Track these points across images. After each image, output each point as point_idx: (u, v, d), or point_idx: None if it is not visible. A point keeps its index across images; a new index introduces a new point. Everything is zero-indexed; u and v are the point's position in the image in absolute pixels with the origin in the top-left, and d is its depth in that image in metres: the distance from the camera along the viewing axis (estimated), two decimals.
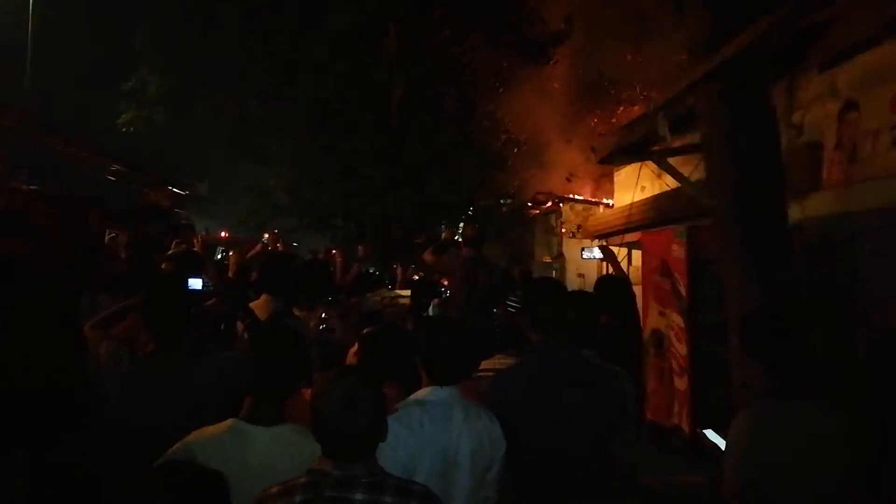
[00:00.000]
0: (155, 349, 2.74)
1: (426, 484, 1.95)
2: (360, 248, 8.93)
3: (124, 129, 12.90)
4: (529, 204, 14.65)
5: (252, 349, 2.44)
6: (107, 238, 3.74)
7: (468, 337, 2.52)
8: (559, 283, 3.01)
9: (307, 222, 15.72)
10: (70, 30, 15.13)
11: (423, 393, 2.35)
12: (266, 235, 7.67)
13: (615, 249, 7.09)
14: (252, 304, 3.92)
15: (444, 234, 15.23)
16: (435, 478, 2.18)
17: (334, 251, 7.52)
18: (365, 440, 1.76)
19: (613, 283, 4.51)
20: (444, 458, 2.24)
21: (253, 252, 4.94)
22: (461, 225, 16.27)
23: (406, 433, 2.20)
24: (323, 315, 4.03)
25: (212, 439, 2.06)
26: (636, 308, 4.78)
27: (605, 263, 6.93)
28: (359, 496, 1.67)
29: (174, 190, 14.11)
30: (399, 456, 2.17)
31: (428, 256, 5.48)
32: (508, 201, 16.74)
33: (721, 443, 3.81)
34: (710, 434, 4.18)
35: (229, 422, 2.11)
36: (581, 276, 11.25)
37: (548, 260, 13.48)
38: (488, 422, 2.37)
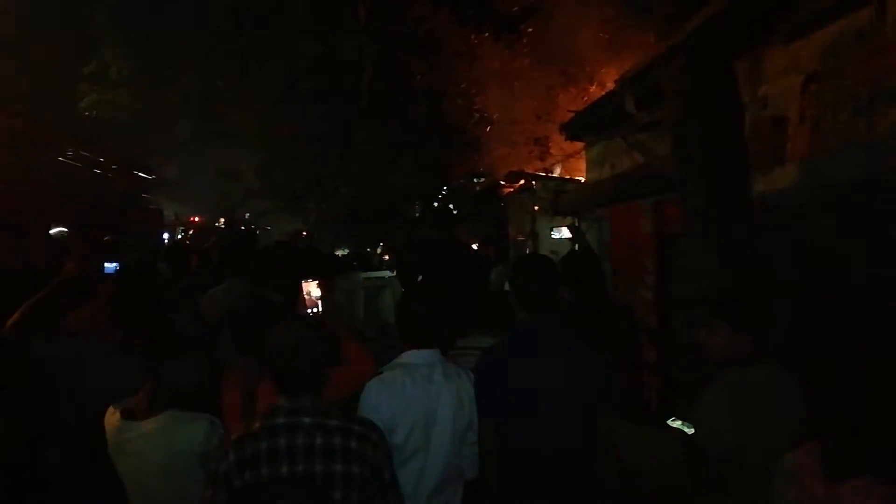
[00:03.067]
0: (122, 340, 2.71)
1: (406, 440, 2.22)
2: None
3: (87, 113, 12.55)
4: (502, 182, 14.66)
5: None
6: (55, 229, 3.66)
7: (445, 303, 2.58)
8: (547, 260, 2.98)
9: (279, 205, 15.57)
10: (26, 9, 14.62)
11: (405, 356, 2.45)
12: (222, 220, 7.56)
13: (586, 225, 7.13)
14: (215, 291, 3.85)
15: (417, 215, 15.20)
16: (415, 435, 2.31)
17: (305, 233, 7.45)
18: (310, 378, 2.03)
19: (580, 260, 4.53)
20: (425, 417, 2.35)
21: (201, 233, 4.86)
22: (434, 205, 16.25)
23: (388, 394, 2.33)
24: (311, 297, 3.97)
25: (109, 434, 2.24)
26: (604, 284, 4.80)
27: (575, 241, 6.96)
28: (307, 420, 1.95)
29: (141, 175, 13.84)
30: (381, 415, 2.31)
31: (401, 237, 5.46)
32: (482, 180, 16.74)
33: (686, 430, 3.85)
34: (675, 423, 4.21)
35: (116, 415, 2.25)
36: (554, 252, 11.31)
37: (521, 238, 13.52)
38: (468, 383, 2.49)
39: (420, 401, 2.36)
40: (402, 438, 2.32)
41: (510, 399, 2.49)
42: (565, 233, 8.93)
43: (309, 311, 3.69)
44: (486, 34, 13.17)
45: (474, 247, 8.83)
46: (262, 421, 1.98)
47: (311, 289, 3.81)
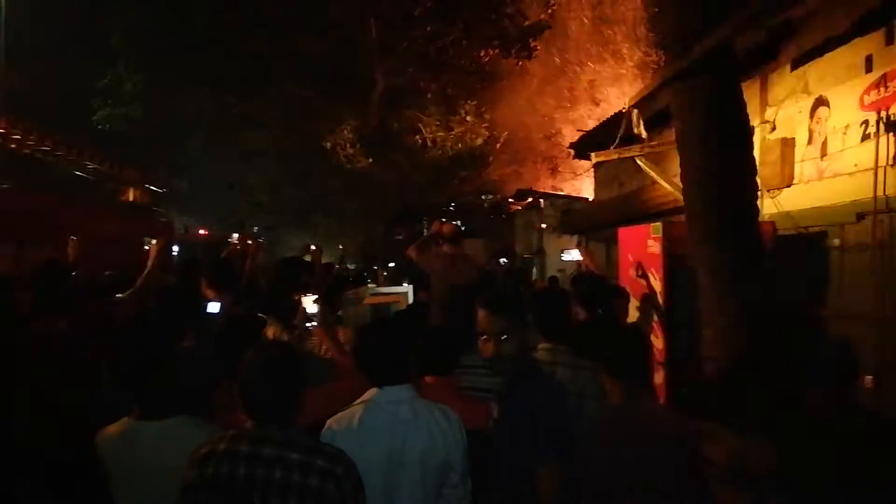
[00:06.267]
0: None
1: (365, 482, 2.02)
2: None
3: (100, 126, 12.71)
4: (510, 200, 14.73)
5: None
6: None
7: (399, 338, 2.42)
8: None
9: (287, 219, 15.66)
10: (44, 24, 14.85)
11: (367, 394, 2.31)
12: (235, 235, 7.59)
13: (594, 245, 7.15)
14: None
15: (425, 231, 15.25)
16: (376, 477, 2.14)
17: (314, 247, 7.49)
18: (279, 405, 1.95)
19: (589, 281, 4.54)
20: (389, 458, 2.22)
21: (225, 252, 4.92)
22: (443, 220, 16.33)
23: (343, 432, 2.21)
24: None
25: (105, 438, 2.22)
26: (615, 304, 4.81)
27: (581, 260, 6.97)
28: (267, 451, 1.88)
29: (152, 188, 13.97)
30: None
31: (411, 252, 5.49)
32: (489, 196, 16.82)
33: None
34: None
35: (123, 420, 2.23)
36: (560, 271, 11.33)
37: (528, 255, 13.55)
38: (444, 420, 2.32)
39: (381, 440, 2.22)
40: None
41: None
42: (575, 254, 8.97)
43: (307, 324, 3.70)
44: (496, 50, 13.28)
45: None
46: (227, 444, 1.93)
47: (307, 304, 3.81)
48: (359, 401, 2.33)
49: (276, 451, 1.89)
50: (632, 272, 5.31)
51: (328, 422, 2.27)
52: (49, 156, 10.09)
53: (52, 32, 15.46)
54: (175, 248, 13.89)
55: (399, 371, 2.34)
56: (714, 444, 1.53)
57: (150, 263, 3.97)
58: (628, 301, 4.66)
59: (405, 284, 5.76)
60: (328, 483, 1.86)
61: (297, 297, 3.76)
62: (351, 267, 15.45)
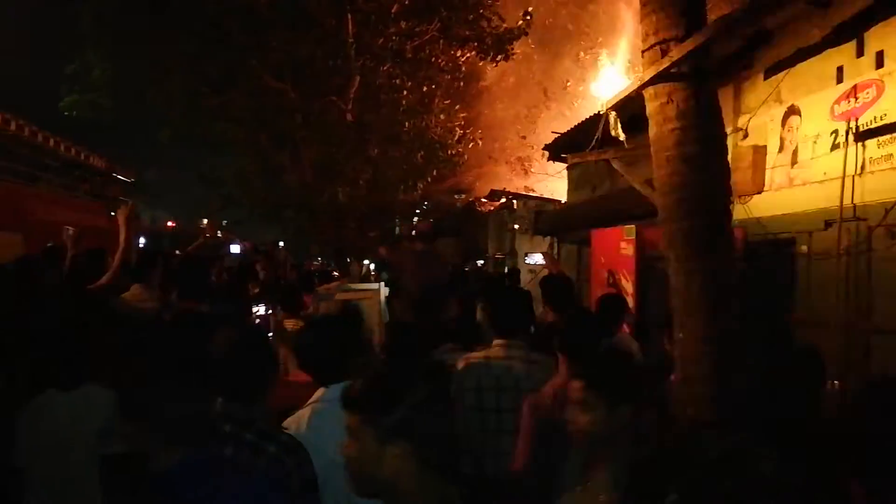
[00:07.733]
0: None
1: (331, 484, 2.00)
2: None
3: (66, 114, 12.39)
4: (483, 199, 14.75)
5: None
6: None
7: (334, 337, 2.40)
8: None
9: (258, 214, 15.43)
10: (10, 7, 14.43)
11: (315, 395, 2.31)
12: (206, 221, 7.48)
13: (565, 247, 7.18)
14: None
15: (398, 229, 15.20)
16: (340, 477, 2.11)
17: (281, 244, 7.40)
18: (244, 385, 1.96)
19: (557, 283, 4.56)
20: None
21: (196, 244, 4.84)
22: (415, 219, 16.28)
23: (293, 432, 2.16)
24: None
25: (34, 404, 2.32)
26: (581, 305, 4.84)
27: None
28: (227, 428, 1.90)
29: (120, 178, 13.67)
30: None
31: (382, 250, 5.46)
32: (462, 196, 16.83)
33: None
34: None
35: (47, 391, 2.31)
36: (532, 272, 11.38)
37: (500, 256, 13.58)
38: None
39: (332, 438, 2.16)
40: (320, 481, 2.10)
41: None
42: (538, 258, 9.05)
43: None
44: (472, 53, 13.28)
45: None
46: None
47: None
48: (308, 403, 2.32)
49: (234, 428, 1.90)
50: (605, 274, 5.33)
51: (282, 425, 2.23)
52: (12, 140, 9.80)
53: (19, 16, 15.03)
54: (142, 240, 13.65)
55: (340, 368, 2.31)
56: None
57: (121, 239, 3.85)
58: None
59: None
60: (277, 470, 1.84)
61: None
62: (326, 263, 15.33)
